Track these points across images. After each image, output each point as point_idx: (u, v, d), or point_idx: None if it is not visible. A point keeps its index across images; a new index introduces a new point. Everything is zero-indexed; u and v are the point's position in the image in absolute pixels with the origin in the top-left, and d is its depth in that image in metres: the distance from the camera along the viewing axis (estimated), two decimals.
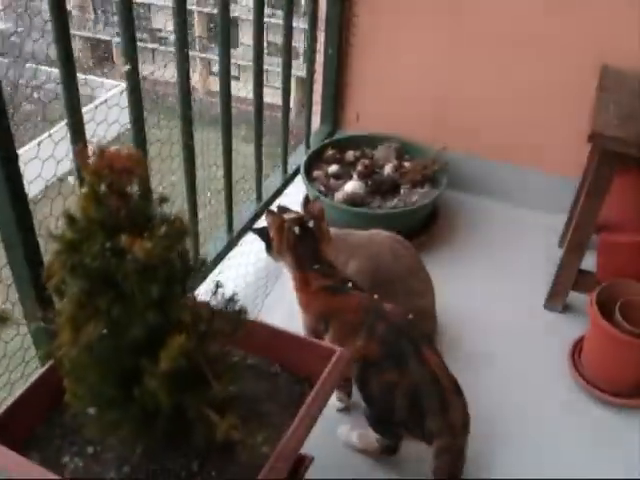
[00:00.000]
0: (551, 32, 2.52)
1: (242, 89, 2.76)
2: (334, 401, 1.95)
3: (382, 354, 1.70)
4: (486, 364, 2.17)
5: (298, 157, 2.85)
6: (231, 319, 1.46)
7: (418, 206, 2.59)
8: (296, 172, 2.77)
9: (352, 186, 2.66)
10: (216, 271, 2.38)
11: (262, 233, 1.95)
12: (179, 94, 1.94)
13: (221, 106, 2.19)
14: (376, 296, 1.81)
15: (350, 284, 1.84)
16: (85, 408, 1.37)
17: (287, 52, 2.52)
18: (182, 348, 1.26)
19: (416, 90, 2.83)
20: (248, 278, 2.46)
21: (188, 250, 1.44)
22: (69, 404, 1.33)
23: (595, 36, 2.45)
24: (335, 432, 1.91)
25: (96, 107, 2.01)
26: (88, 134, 1.64)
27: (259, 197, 2.61)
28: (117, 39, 11.59)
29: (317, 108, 3.01)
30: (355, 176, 2.74)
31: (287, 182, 2.78)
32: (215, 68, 10.06)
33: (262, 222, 2.13)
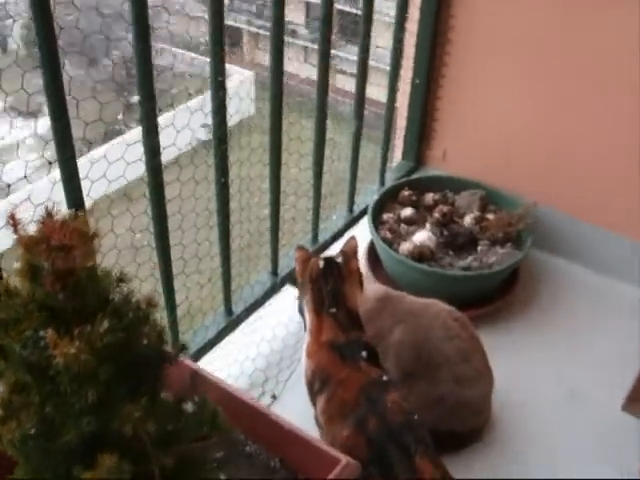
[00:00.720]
0: None
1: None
2: None
3: (368, 456, 1.45)
4: (542, 471, 1.84)
5: (369, 195, 2.55)
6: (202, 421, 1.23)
7: (495, 271, 2.25)
8: (363, 212, 2.47)
9: (422, 236, 2.35)
10: (251, 319, 2.13)
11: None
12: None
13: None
14: (386, 378, 1.56)
15: (365, 353, 1.59)
16: None
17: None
18: (114, 470, 1.02)
19: (511, 134, 2.48)
20: (288, 328, 2.19)
21: (161, 333, 1.21)
22: None
23: None
24: None
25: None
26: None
27: (315, 238, 2.33)
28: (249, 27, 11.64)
29: (398, 143, 2.70)
30: (428, 225, 2.42)
31: (351, 223, 2.49)
32: (342, 66, 9.94)
33: None
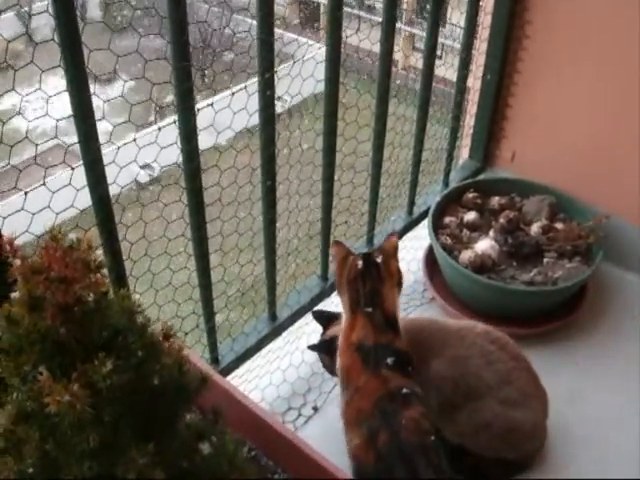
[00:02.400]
0: None
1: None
2: None
3: (375, 472, 1.41)
4: None
5: (430, 196, 2.41)
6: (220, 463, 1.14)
7: (559, 288, 2.09)
8: (424, 215, 2.33)
9: (485, 245, 2.20)
10: (296, 325, 2.04)
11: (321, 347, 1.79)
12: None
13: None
14: (407, 390, 1.48)
15: (391, 359, 1.51)
16: None
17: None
18: None
19: (586, 139, 2.30)
20: None
21: (181, 365, 1.12)
22: None
23: None
24: None
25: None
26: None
27: (370, 241, 2.21)
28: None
29: (466, 142, 2.55)
30: (492, 232, 2.27)
31: (410, 226, 2.36)
32: (419, 44, 9.70)
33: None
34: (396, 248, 1.69)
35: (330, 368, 1.82)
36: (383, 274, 1.62)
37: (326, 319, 1.86)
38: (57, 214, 1.25)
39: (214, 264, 1.65)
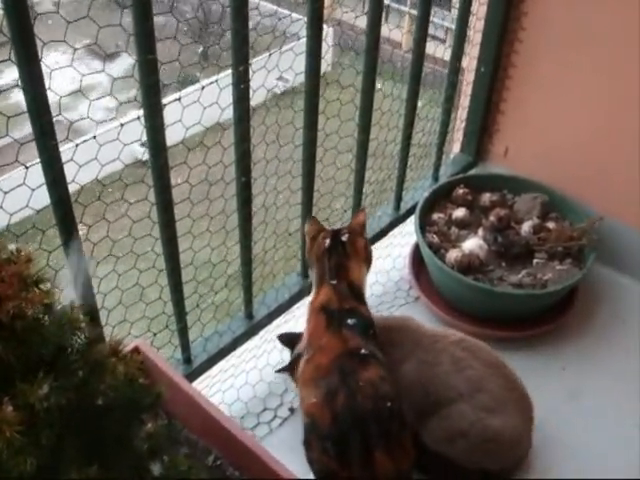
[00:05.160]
0: None
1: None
2: None
3: (329, 432, 1.43)
4: None
5: (419, 192, 2.34)
6: None
7: (548, 291, 2.02)
8: (412, 210, 2.26)
9: (473, 244, 2.13)
10: (274, 323, 1.98)
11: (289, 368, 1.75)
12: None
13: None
14: (366, 351, 1.51)
15: (352, 321, 1.56)
16: None
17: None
18: None
19: (581, 136, 2.22)
20: None
21: (133, 380, 1.06)
22: None
23: None
24: None
25: None
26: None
27: None
28: None
29: (458, 135, 2.47)
30: (481, 230, 2.20)
31: (397, 222, 2.28)
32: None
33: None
34: (363, 225, 1.74)
35: None
36: (349, 250, 1.67)
37: (291, 340, 1.83)
38: None
39: (184, 263, 1.59)
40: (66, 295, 1.02)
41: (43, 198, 1.26)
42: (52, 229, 1.30)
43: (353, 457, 1.42)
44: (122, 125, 1.34)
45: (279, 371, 1.82)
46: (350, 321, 1.56)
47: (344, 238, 1.68)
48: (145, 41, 1.24)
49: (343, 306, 1.59)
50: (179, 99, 1.38)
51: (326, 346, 1.54)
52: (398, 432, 1.45)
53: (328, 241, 1.68)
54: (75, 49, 1.51)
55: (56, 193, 1.26)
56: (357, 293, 1.63)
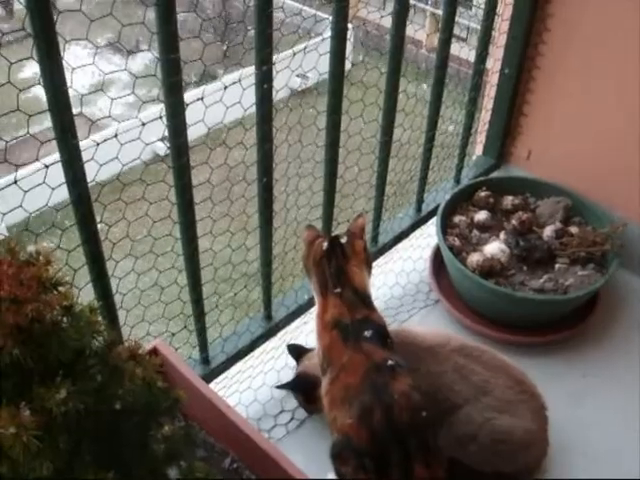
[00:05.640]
0: None
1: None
2: None
3: (368, 449, 1.39)
4: None
5: (441, 194, 2.32)
6: None
7: (570, 297, 2.00)
8: (433, 212, 2.24)
9: (494, 248, 2.11)
10: (293, 325, 1.96)
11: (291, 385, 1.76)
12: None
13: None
14: (392, 362, 1.46)
15: (368, 332, 1.50)
16: None
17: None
18: None
19: (605, 140, 2.19)
20: None
21: (152, 383, 1.05)
22: None
23: None
24: None
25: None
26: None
27: (374, 239, 2.13)
28: None
29: (480, 138, 2.44)
30: (503, 234, 2.17)
31: (418, 224, 2.26)
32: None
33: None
34: (362, 228, 1.69)
35: (304, 406, 1.80)
36: (348, 253, 1.62)
37: (299, 353, 1.83)
38: None
39: (204, 263, 1.58)
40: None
41: (61, 194, 1.25)
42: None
43: (393, 472, 1.38)
44: (144, 124, 1.32)
45: (280, 387, 1.81)
46: (367, 333, 1.50)
47: (342, 240, 1.64)
48: (168, 40, 1.22)
49: (355, 316, 1.53)
50: (202, 98, 1.36)
51: (350, 364, 1.48)
52: (433, 442, 1.42)
53: (326, 244, 1.63)
54: (96, 47, 1.50)
55: (76, 191, 1.25)
56: (364, 299, 1.58)
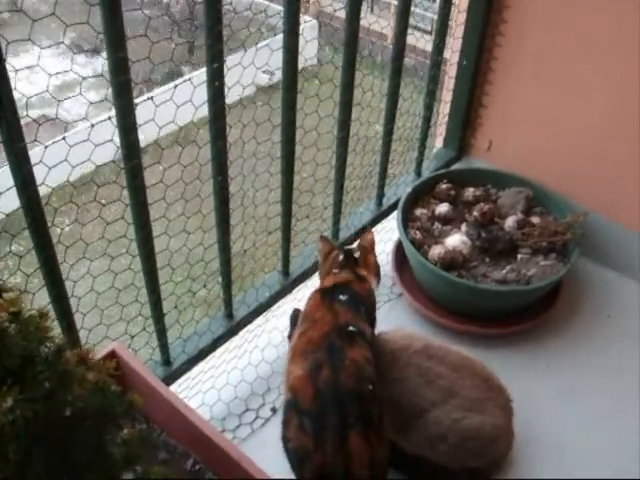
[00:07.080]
0: None
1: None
2: None
3: (309, 408, 1.44)
4: None
5: (401, 187, 2.31)
6: None
7: (532, 287, 2.00)
8: (394, 206, 2.23)
9: (456, 240, 2.11)
10: (255, 323, 1.94)
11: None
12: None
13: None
14: (352, 328, 1.55)
15: (344, 297, 1.64)
16: None
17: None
18: None
19: (565, 130, 2.20)
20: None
21: (104, 387, 1.03)
22: None
23: None
24: None
25: None
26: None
27: (335, 235, 2.12)
28: None
29: (440, 130, 2.44)
30: (465, 226, 2.18)
31: (379, 218, 2.25)
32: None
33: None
34: (372, 243, 1.84)
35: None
36: (361, 265, 1.78)
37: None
38: None
39: (161, 263, 1.56)
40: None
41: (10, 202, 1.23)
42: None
43: (328, 435, 1.40)
44: (92, 125, 1.29)
45: None
46: (342, 296, 1.63)
47: (356, 255, 1.79)
48: (115, 40, 1.20)
49: (338, 280, 1.70)
50: (151, 98, 1.34)
51: (319, 320, 1.59)
52: (376, 418, 1.45)
53: (342, 257, 1.77)
54: (43, 48, 1.47)
55: (25, 195, 1.22)
56: (358, 271, 1.74)
